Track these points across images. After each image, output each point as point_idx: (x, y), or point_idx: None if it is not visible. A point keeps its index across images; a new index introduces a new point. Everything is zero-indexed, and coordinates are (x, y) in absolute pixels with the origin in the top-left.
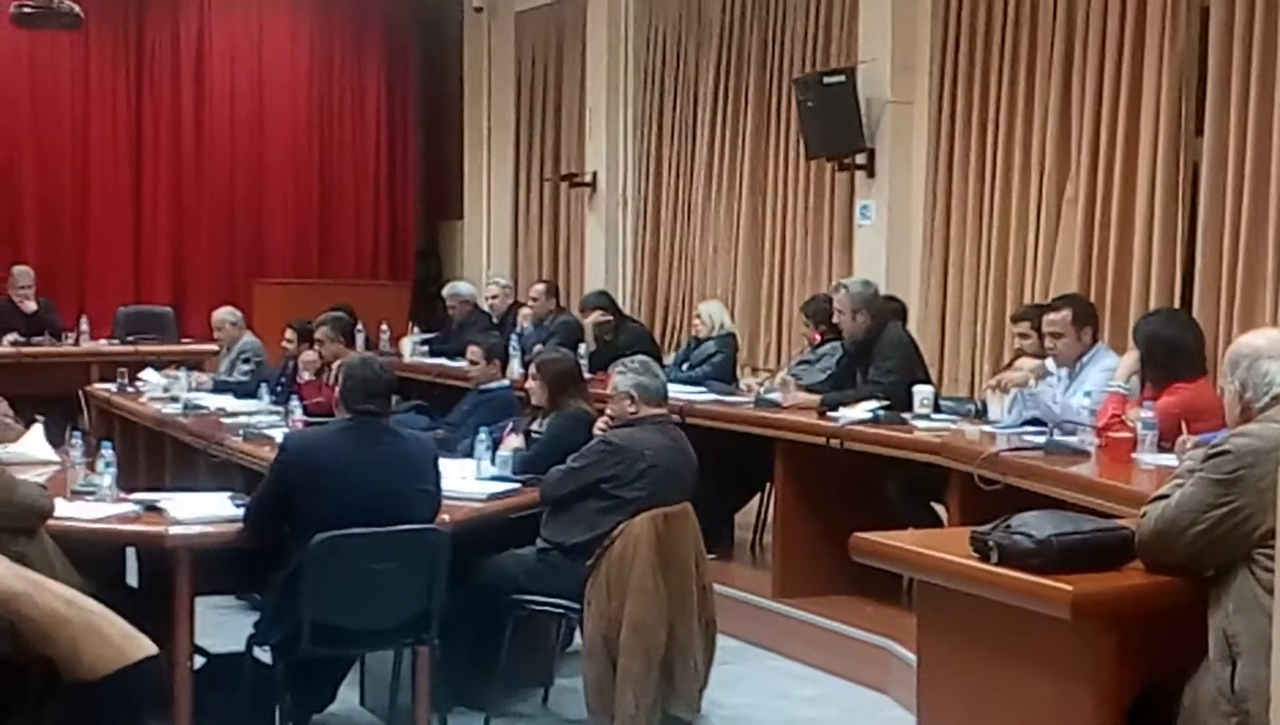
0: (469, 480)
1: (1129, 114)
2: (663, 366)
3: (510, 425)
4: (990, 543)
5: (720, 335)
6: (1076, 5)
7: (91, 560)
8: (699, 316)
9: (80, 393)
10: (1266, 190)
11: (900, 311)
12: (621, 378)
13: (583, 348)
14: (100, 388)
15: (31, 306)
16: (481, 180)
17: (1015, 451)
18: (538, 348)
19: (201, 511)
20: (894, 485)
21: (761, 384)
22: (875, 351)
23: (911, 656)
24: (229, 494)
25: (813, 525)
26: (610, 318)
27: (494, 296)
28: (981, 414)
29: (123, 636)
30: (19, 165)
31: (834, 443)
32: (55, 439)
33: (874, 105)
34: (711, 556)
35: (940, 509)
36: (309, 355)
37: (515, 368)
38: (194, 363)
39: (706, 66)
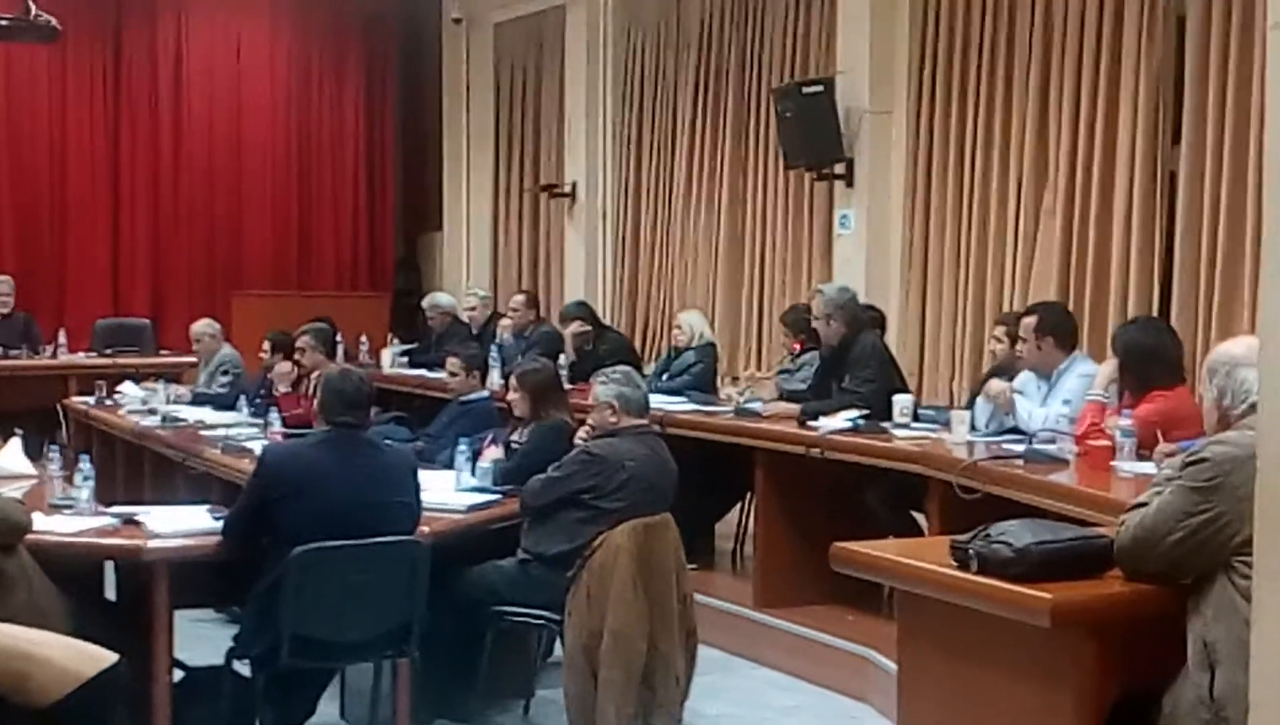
0: (449, 491)
1: (1106, 123)
2: (643, 377)
3: (490, 436)
4: (970, 551)
5: (700, 345)
6: (1054, 15)
7: (69, 574)
8: (679, 326)
9: (58, 406)
10: (1243, 199)
11: (879, 321)
12: (603, 388)
13: (563, 358)
14: (78, 400)
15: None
16: (461, 191)
17: (994, 460)
18: (519, 359)
19: (180, 524)
20: (874, 494)
21: (741, 393)
22: (850, 360)
23: (892, 665)
24: (207, 507)
25: (793, 535)
26: (589, 328)
27: (473, 308)
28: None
29: (76, 657)
30: None
31: (814, 452)
32: (33, 452)
33: (852, 115)
34: (692, 567)
35: (920, 518)
36: (283, 366)
37: (495, 379)
38: (172, 375)
39: (685, 77)
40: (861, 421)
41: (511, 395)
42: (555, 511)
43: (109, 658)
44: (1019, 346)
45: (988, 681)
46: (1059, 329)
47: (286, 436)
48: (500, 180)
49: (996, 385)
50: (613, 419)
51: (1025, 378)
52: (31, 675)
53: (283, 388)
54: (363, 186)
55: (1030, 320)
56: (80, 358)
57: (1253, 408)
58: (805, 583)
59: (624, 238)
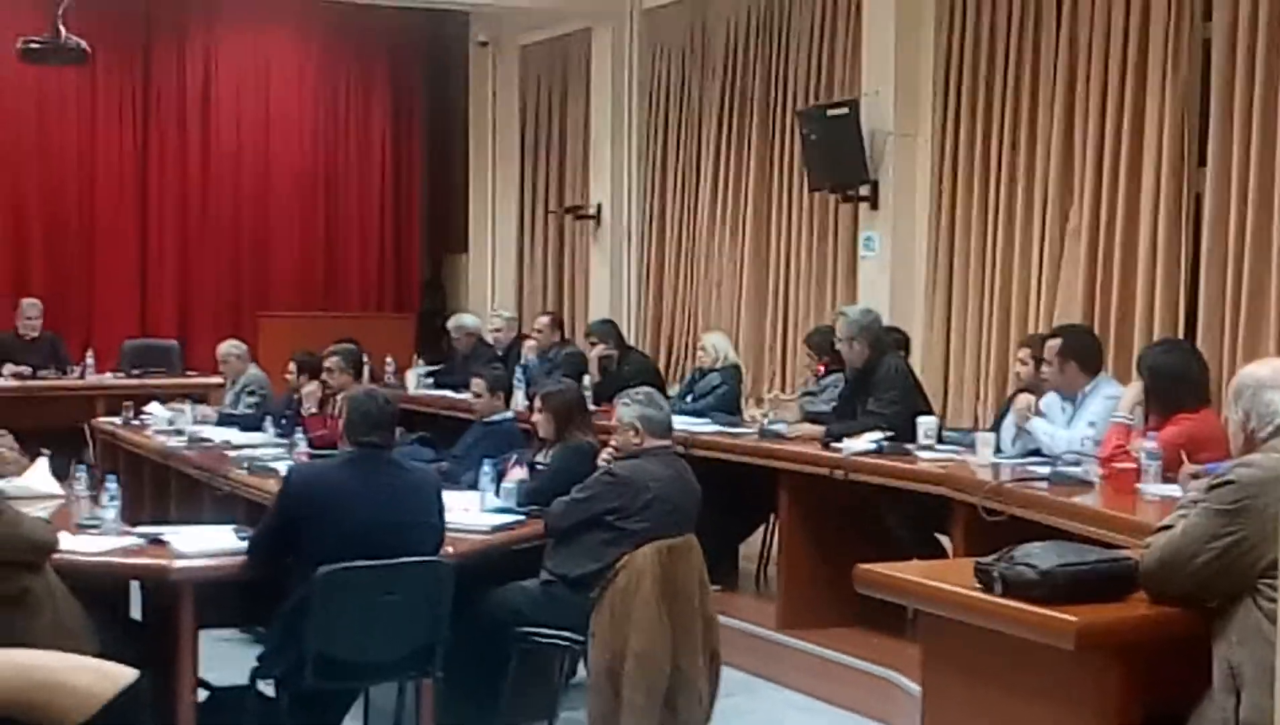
0: (473, 512)
1: (1131, 145)
2: (667, 398)
3: (514, 457)
4: (994, 574)
5: (724, 367)
6: (1078, 37)
7: (95, 594)
8: (703, 348)
9: (85, 426)
10: (1269, 220)
11: (902, 343)
12: (626, 409)
13: (587, 379)
14: (105, 421)
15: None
16: (486, 213)
17: (1019, 482)
18: (544, 381)
19: (205, 544)
20: (898, 516)
21: (766, 415)
22: (874, 382)
23: (916, 688)
24: (233, 527)
25: (817, 556)
26: (615, 352)
27: (498, 329)
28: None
29: (95, 680)
30: (26, 200)
31: (838, 474)
32: (60, 472)
33: (877, 137)
34: (716, 588)
35: (944, 540)
36: (310, 387)
37: (519, 400)
38: (199, 396)
39: (710, 99)
40: (885, 443)
41: (536, 416)
42: (579, 533)
43: (129, 675)
44: (1043, 369)
45: (1012, 704)
46: (1083, 352)
47: (312, 457)
48: (525, 202)
49: (1024, 399)
50: (636, 440)
51: (1050, 400)
52: (52, 703)
53: (312, 408)
54: (389, 208)
55: (1054, 343)
56: (108, 378)
57: (1278, 430)
58: (829, 604)
59: (649, 259)
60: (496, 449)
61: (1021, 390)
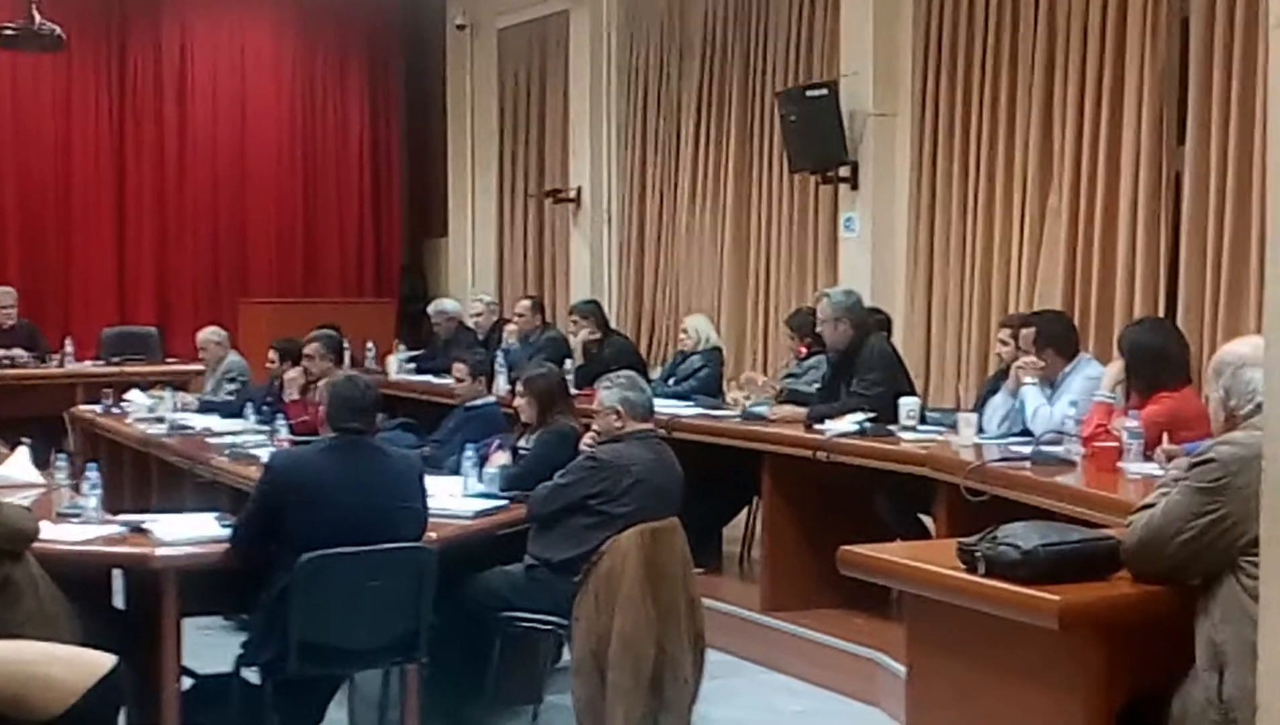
0: (456, 497)
1: (1111, 124)
2: (649, 381)
3: (497, 442)
4: (977, 554)
5: (706, 349)
6: (1057, 16)
7: (77, 583)
8: (685, 331)
9: (65, 414)
10: (1248, 199)
11: (884, 323)
12: (607, 393)
13: (569, 363)
14: (85, 409)
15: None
16: (466, 197)
17: (1002, 462)
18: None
19: (187, 532)
20: (881, 497)
21: (748, 397)
22: (858, 363)
23: (901, 669)
24: (215, 514)
25: (801, 538)
26: (599, 334)
27: (479, 313)
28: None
29: (73, 671)
30: (1, 187)
31: (821, 455)
32: (40, 461)
33: (857, 118)
34: (700, 571)
35: (928, 521)
36: (293, 373)
37: (501, 384)
38: (179, 383)
39: (689, 81)
40: (868, 425)
41: (518, 401)
42: (562, 518)
43: (106, 663)
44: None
45: (996, 684)
46: (1058, 338)
47: (294, 443)
48: (505, 185)
49: (1027, 358)
50: (618, 424)
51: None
52: (31, 695)
53: (294, 394)
54: (368, 193)
55: (1029, 332)
56: (87, 366)
57: (1259, 408)
58: (813, 586)
59: (629, 242)
60: (479, 434)
61: (1003, 371)
